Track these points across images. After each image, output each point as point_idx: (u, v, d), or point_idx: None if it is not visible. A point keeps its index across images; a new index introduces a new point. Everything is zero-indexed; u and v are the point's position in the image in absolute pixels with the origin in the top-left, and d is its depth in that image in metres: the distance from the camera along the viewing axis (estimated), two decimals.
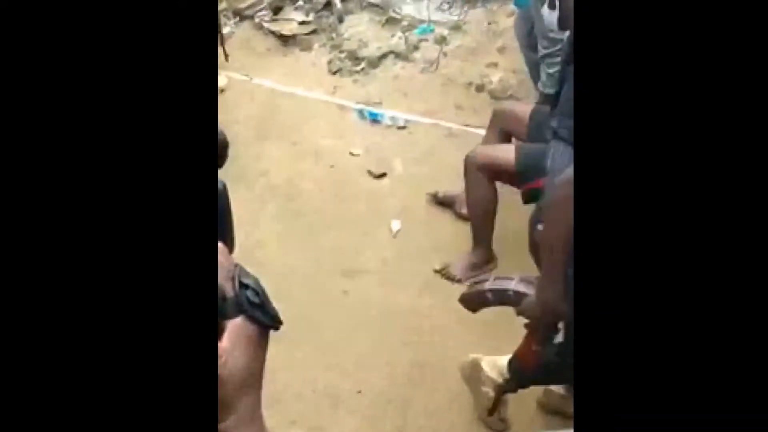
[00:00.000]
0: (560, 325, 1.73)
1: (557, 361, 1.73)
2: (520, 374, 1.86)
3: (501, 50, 3.79)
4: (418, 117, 3.45)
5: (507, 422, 2.11)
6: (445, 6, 4.10)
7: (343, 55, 3.93)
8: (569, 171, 1.54)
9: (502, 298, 1.80)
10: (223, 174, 1.60)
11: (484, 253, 2.59)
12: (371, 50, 3.90)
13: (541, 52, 2.84)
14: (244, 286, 0.68)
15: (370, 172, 3.13)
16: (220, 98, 3.53)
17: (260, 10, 4.31)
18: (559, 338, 1.75)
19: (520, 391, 1.95)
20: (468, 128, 3.33)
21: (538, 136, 2.46)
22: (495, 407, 1.99)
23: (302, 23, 4.17)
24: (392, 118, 3.47)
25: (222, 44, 3.70)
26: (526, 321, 1.76)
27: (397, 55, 3.87)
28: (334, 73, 3.86)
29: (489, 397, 1.98)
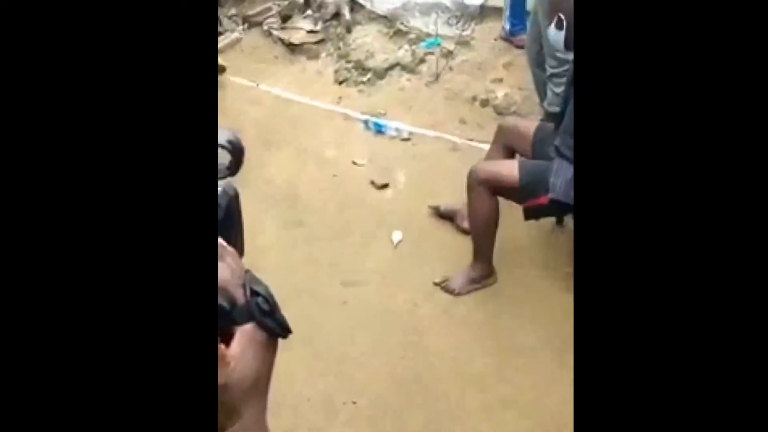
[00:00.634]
0: None
1: None
2: None
3: (507, 66, 3.82)
4: (422, 129, 3.47)
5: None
6: (453, 21, 4.13)
7: (349, 66, 3.95)
8: None
9: None
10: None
11: (483, 268, 2.60)
12: (378, 61, 3.93)
13: (549, 71, 2.86)
14: (254, 293, 0.68)
15: (372, 183, 3.14)
16: (225, 103, 3.54)
17: (269, 18, 4.34)
18: None
19: None
20: (472, 142, 3.35)
21: (542, 153, 2.49)
22: None
23: (310, 32, 4.20)
24: (397, 130, 3.48)
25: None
26: None
27: (404, 68, 3.89)
28: (341, 82, 3.89)
29: None
